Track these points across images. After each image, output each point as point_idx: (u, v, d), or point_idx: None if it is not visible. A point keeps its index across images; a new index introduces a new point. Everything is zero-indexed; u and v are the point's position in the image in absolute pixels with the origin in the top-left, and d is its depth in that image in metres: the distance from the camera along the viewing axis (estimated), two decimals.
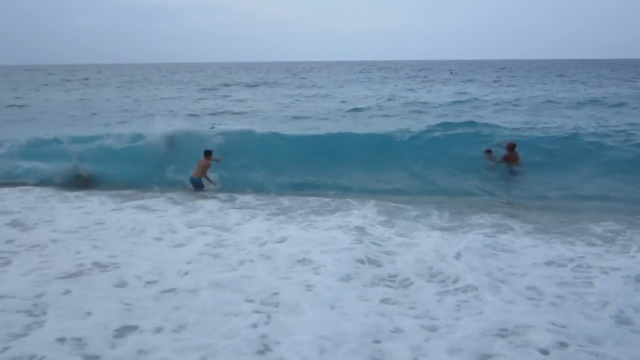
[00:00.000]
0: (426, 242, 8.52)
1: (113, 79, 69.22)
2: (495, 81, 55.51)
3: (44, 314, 6.18)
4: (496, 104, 28.99)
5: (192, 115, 27.22)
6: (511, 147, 13.37)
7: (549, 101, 29.65)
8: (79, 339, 5.60)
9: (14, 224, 9.82)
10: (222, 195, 12.12)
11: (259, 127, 16.44)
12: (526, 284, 6.98)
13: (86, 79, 68.98)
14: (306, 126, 21.73)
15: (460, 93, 37.79)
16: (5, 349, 5.43)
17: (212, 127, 15.65)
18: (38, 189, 12.62)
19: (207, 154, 12.57)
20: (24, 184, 13.24)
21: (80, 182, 13.08)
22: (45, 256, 8.12)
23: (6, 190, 12.52)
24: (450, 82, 55.34)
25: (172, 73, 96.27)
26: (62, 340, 5.60)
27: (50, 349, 5.42)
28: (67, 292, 6.80)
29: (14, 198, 11.79)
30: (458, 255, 7.91)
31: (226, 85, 57.54)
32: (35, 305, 6.39)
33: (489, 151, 13.90)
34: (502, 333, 5.69)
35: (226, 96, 41.19)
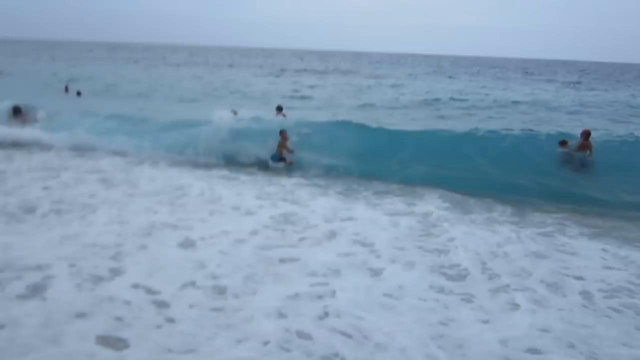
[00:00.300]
0: (487, 237, 8.52)
1: (190, 61, 71.71)
2: (575, 82, 53.54)
3: (123, 263, 6.74)
4: (571, 107, 28.10)
5: (262, 97, 28.27)
6: (586, 135, 12.83)
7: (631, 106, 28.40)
8: (150, 288, 6.09)
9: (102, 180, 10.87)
10: (297, 173, 12.55)
11: (328, 115, 16.60)
12: (581, 288, 6.85)
13: (163, 57, 71.74)
14: (374, 116, 21.79)
15: (533, 93, 36.73)
16: (92, 289, 6.02)
17: (235, 113, 15.52)
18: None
19: (282, 133, 13.31)
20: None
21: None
22: (126, 212, 8.79)
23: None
24: (525, 81, 53.80)
25: (245, 57, 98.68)
26: (136, 286, 6.13)
27: (126, 293, 5.93)
28: (143, 246, 7.35)
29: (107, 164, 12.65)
30: (517, 252, 7.88)
31: (299, 70, 58.51)
32: (117, 254, 7.02)
33: (564, 142, 13.44)
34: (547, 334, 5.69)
35: (296, 82, 42.05)
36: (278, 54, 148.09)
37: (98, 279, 6.26)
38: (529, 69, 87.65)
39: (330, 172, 12.54)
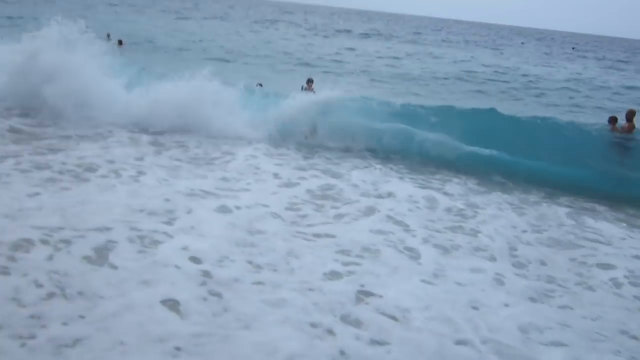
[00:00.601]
0: (503, 220, 8.82)
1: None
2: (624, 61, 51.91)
3: (173, 227, 7.17)
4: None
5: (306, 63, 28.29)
6: (630, 116, 12.50)
7: None
8: (195, 256, 6.47)
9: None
10: (341, 145, 12.57)
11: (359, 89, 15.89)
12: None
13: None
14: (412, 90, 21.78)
15: (578, 73, 35.89)
16: (141, 252, 6.43)
17: (259, 85, 15.27)
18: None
19: (308, 81, 14.46)
20: None
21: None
22: (174, 177, 9.21)
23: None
24: (573, 58, 52.34)
25: (287, 13, 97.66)
26: (185, 249, 6.55)
27: (175, 257, 6.35)
28: (190, 210, 7.77)
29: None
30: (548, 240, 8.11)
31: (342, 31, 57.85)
32: (168, 214, 7.47)
33: (614, 119, 12.79)
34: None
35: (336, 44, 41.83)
36: (317, 10, 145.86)
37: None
38: (576, 45, 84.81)
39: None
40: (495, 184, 10.92)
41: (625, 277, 7.15)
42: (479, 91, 24.97)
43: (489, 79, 29.40)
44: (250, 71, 22.84)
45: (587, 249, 7.99)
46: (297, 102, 12.94)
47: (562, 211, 9.65)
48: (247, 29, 50.50)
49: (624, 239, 8.54)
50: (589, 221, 9.22)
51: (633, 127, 12.40)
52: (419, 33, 74.61)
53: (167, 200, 8.06)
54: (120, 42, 25.79)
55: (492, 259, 7.33)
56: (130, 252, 6.35)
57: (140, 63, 17.41)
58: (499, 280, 6.71)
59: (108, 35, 25.92)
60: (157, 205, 7.80)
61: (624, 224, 9.26)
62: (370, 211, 8.60)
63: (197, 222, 7.39)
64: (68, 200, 7.56)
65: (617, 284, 6.97)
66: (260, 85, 15.40)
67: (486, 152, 12.15)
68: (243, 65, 26.19)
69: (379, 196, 9.40)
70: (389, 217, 8.39)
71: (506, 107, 16.50)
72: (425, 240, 7.66)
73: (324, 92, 13.24)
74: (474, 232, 8.18)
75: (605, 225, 9.08)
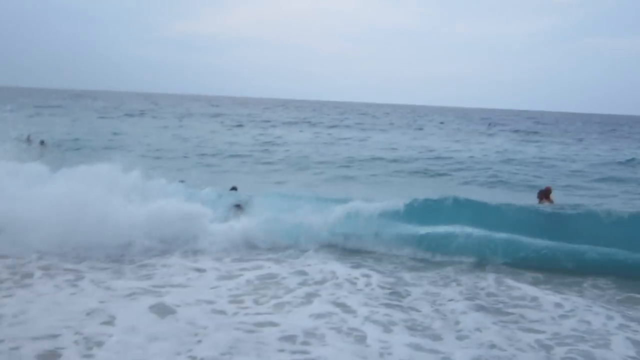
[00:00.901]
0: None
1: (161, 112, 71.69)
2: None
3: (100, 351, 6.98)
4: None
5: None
6: (547, 193, 13.41)
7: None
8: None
9: None
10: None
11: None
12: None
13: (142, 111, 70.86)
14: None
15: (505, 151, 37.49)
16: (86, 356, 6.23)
17: (234, 189, 14.28)
18: None
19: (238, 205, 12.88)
20: None
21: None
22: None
23: None
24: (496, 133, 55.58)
25: (214, 106, 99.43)
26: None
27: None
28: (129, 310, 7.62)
29: None
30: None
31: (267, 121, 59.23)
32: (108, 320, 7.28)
33: (544, 193, 13.72)
34: None
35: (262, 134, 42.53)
36: (245, 102, 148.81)
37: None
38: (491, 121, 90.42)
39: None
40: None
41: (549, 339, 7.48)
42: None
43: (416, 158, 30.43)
44: (183, 167, 22.72)
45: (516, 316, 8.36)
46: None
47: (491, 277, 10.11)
48: (175, 124, 50.82)
49: (559, 304, 8.85)
50: (520, 287, 9.64)
51: (551, 202, 13.44)
52: (341, 118, 77.08)
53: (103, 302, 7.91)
54: (42, 143, 25.26)
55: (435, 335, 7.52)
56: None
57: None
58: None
59: (28, 137, 24.34)
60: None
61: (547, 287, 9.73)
62: (311, 296, 8.71)
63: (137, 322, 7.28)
64: None
65: (544, 346, 7.29)
66: (235, 188, 14.37)
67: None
68: (173, 162, 25.55)
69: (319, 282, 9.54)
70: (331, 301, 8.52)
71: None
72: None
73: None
74: (411, 309, 8.41)
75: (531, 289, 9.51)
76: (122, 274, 9.41)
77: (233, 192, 13.94)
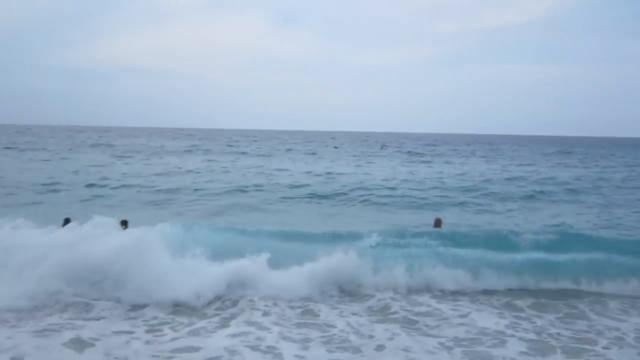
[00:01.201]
0: None
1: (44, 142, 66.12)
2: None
3: None
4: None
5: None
6: (438, 223, 14.63)
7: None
8: None
9: None
10: None
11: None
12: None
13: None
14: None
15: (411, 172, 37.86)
16: None
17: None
18: None
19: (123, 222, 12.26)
20: None
21: None
22: None
23: None
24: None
25: (102, 136, 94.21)
26: None
27: None
28: None
29: None
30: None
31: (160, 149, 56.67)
32: None
33: (439, 220, 14.59)
34: None
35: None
36: (137, 133, 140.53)
37: None
38: (385, 143, 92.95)
39: None
40: None
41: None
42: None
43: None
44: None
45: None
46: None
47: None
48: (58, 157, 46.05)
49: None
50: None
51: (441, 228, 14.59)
52: (231, 145, 75.38)
53: None
54: None
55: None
56: None
57: None
58: None
59: None
60: None
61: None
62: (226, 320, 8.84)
63: None
64: None
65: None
66: (68, 220, 12.37)
67: None
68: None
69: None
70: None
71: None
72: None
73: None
74: (327, 325, 8.80)
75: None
76: None
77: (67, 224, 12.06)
